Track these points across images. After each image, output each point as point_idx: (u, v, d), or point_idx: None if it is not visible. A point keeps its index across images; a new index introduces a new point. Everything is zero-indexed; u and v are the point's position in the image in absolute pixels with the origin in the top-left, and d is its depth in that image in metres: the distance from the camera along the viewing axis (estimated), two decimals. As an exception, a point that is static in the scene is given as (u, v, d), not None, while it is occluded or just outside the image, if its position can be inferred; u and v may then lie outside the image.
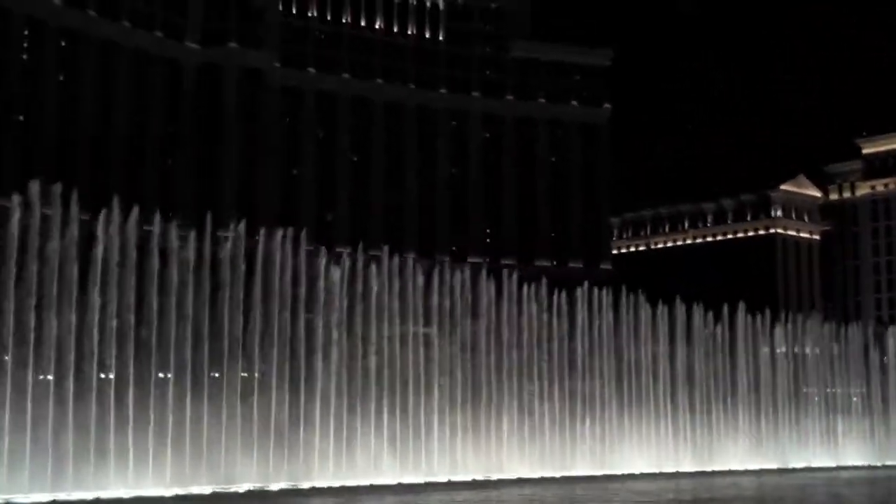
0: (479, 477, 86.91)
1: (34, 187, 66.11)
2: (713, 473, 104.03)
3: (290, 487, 73.43)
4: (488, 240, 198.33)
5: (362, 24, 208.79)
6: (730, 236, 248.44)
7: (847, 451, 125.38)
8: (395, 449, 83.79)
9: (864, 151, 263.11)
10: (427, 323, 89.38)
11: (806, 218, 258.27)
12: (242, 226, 79.08)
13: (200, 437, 71.78)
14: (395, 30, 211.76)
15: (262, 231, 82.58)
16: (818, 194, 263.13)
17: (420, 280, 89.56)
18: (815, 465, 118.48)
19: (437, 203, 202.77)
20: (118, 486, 65.23)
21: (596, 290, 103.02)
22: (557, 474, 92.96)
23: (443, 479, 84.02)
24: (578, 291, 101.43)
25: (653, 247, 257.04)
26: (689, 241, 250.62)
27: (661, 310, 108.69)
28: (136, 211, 71.54)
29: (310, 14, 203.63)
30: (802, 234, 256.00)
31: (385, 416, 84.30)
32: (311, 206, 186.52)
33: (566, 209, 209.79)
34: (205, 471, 71.09)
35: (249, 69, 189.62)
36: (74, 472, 64.20)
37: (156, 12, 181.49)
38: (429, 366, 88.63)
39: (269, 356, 77.44)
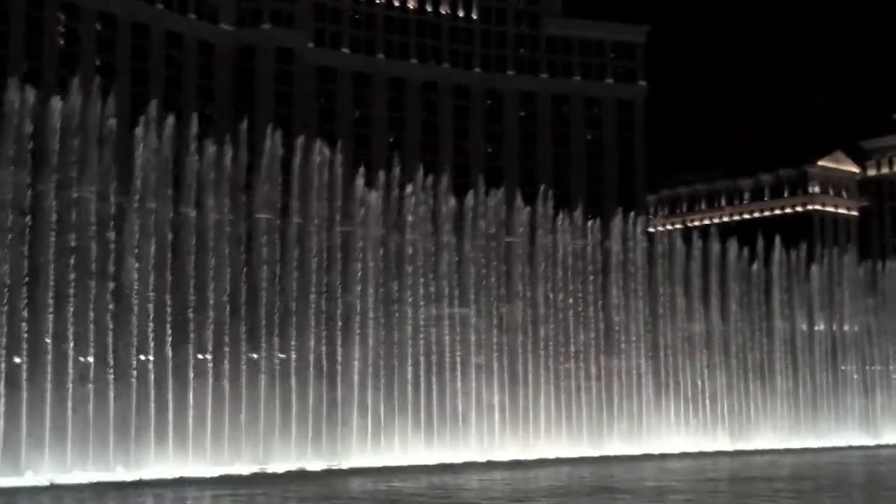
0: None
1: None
2: (751, 452, 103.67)
3: (329, 468, 73.75)
4: (527, 218, 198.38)
5: (396, 3, 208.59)
6: (766, 213, 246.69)
7: (887, 429, 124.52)
8: (432, 428, 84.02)
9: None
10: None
11: (844, 194, 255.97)
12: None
13: (239, 417, 72.27)
14: (429, 9, 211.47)
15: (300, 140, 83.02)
16: (856, 170, 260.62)
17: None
18: (854, 443, 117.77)
19: (472, 182, 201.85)
20: (159, 466, 65.76)
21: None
22: (595, 453, 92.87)
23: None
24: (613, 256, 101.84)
25: (689, 224, 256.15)
26: (725, 219, 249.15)
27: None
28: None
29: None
30: (840, 210, 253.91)
31: (422, 394, 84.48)
32: (347, 184, 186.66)
33: (601, 187, 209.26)
34: (244, 451, 71.54)
35: (283, 50, 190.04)
36: (115, 453, 64.77)
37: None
38: (464, 346, 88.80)
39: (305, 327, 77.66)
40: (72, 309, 64.81)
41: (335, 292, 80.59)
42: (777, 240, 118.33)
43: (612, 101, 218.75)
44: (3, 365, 61.73)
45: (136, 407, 66.79)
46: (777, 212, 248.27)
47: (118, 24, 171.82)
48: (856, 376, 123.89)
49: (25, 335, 62.54)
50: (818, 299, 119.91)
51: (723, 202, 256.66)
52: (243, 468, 69.07)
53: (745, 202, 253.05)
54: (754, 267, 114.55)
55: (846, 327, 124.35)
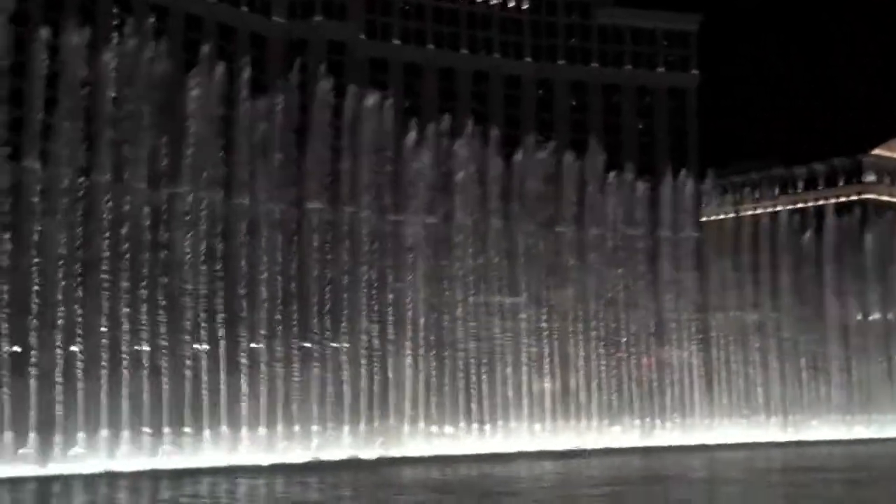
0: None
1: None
2: (804, 443, 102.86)
3: (382, 456, 74.04)
4: (575, 208, 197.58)
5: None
6: (821, 202, 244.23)
7: None
8: (483, 418, 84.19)
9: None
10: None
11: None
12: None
13: (292, 404, 72.79)
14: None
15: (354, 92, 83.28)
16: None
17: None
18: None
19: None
20: (213, 455, 66.34)
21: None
22: (647, 443, 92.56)
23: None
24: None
25: (742, 213, 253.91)
26: (779, 208, 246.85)
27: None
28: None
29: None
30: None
31: (472, 381, 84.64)
32: (400, 175, 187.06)
33: (653, 176, 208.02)
34: (298, 440, 72.02)
35: (335, 42, 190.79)
36: (170, 441, 65.46)
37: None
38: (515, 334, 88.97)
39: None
40: (126, 297, 65.60)
41: (386, 280, 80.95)
42: (831, 226, 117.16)
43: (664, 90, 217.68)
44: (61, 352, 62.61)
45: (189, 396, 67.45)
46: (832, 200, 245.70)
47: (171, 17, 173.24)
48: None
49: (80, 323, 63.40)
50: (873, 287, 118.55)
51: (776, 191, 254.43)
52: (296, 456, 69.51)
53: (798, 191, 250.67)
54: (810, 254, 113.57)
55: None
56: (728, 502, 52.70)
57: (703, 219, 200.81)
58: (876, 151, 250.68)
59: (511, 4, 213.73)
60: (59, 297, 62.80)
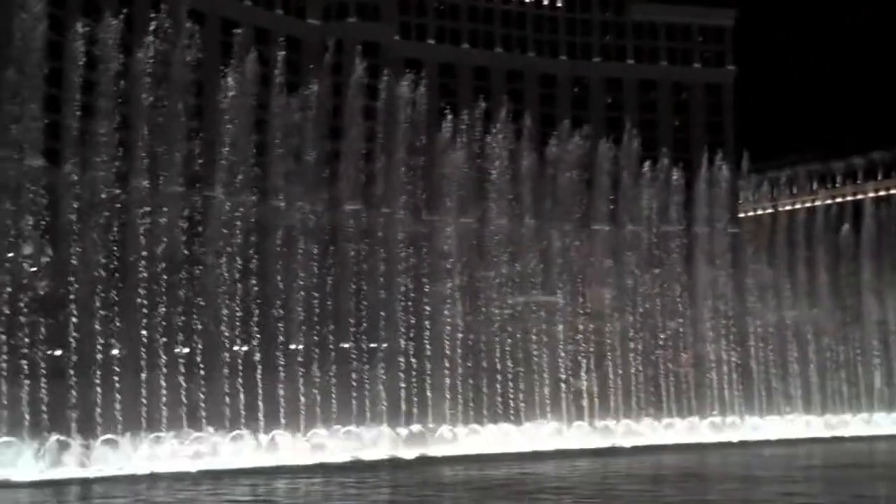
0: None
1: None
2: (842, 439, 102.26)
3: (421, 455, 74.22)
4: (612, 206, 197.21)
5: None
6: (860, 196, 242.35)
7: None
8: (520, 416, 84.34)
9: None
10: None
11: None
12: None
13: (330, 405, 73.18)
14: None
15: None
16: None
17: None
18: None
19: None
20: (253, 456, 66.75)
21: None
22: (686, 440, 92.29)
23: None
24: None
25: (780, 208, 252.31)
26: (818, 203, 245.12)
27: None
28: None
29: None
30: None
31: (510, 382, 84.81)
32: (436, 175, 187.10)
33: (691, 173, 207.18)
34: (339, 439, 72.32)
35: (369, 43, 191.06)
36: (209, 442, 65.90)
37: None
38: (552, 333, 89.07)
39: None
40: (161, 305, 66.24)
41: (422, 280, 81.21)
42: (870, 220, 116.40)
43: (700, 86, 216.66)
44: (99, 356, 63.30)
45: (228, 397, 67.97)
46: (871, 194, 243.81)
47: (207, 20, 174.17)
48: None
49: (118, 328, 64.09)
50: None
51: (815, 186, 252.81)
52: (336, 456, 69.82)
53: (837, 185, 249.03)
54: (848, 249, 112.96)
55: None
56: (772, 499, 52.58)
57: (741, 214, 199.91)
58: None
59: (545, 2, 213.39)
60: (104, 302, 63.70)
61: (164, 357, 65.48)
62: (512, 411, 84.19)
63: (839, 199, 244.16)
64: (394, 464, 70.04)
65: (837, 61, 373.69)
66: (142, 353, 64.68)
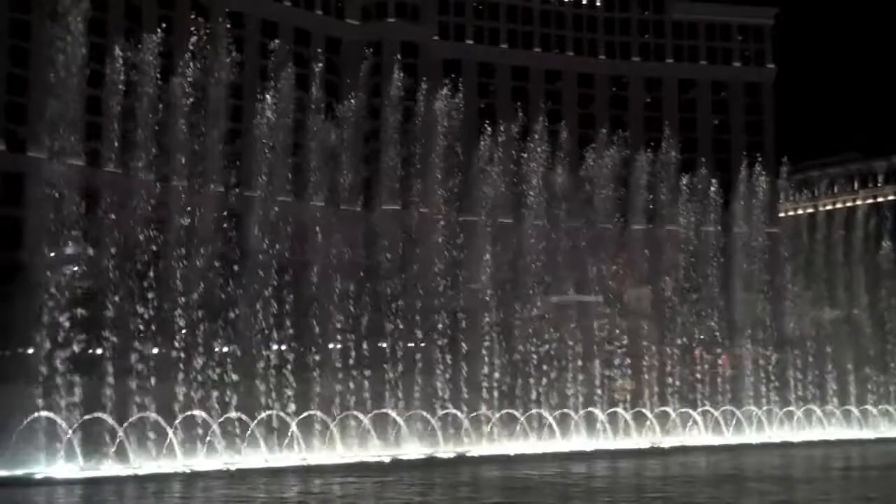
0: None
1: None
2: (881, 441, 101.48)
3: (459, 455, 74.36)
4: (651, 206, 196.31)
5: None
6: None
7: None
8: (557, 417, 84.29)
9: None
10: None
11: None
12: None
13: (365, 405, 73.48)
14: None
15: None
16: None
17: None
18: None
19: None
20: (289, 455, 67.10)
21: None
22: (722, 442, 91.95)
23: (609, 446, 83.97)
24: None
25: (821, 208, 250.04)
26: (858, 202, 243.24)
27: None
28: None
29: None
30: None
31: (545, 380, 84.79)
32: (473, 174, 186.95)
33: (729, 173, 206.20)
34: (375, 439, 72.57)
35: (408, 43, 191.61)
36: (245, 442, 66.30)
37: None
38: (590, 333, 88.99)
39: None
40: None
41: (459, 280, 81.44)
42: None
43: (740, 85, 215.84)
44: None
45: (264, 397, 68.43)
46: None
47: (246, 22, 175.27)
48: None
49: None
50: None
51: (856, 185, 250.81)
52: (373, 455, 70.08)
53: (878, 185, 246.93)
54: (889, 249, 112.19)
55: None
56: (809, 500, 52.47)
57: (781, 214, 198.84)
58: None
59: (584, 2, 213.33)
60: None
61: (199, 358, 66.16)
62: (550, 411, 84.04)
63: (880, 199, 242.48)
64: (430, 463, 70.19)
65: (878, 59, 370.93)
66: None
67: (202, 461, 62.19)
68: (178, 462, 60.91)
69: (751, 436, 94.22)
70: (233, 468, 61.73)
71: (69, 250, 63.02)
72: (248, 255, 69.73)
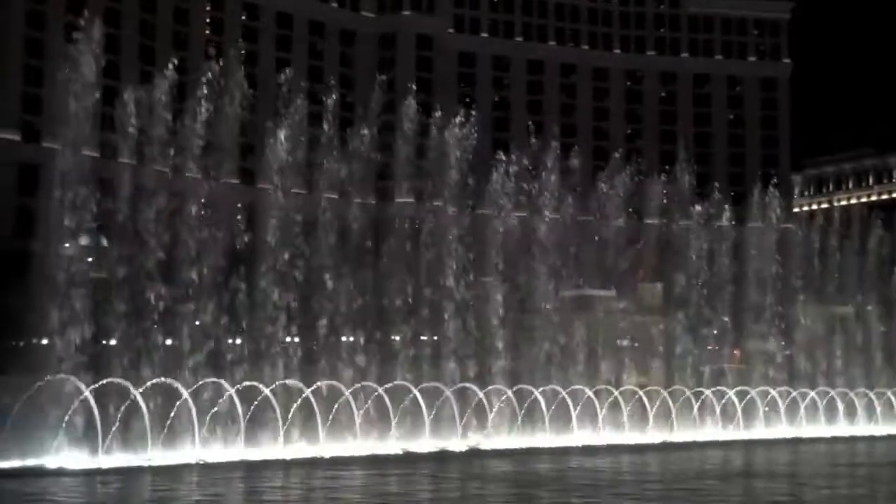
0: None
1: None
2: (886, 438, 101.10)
3: (471, 448, 74.25)
4: (665, 200, 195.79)
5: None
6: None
7: None
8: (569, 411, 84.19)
9: None
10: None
11: None
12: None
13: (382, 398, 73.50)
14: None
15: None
16: None
17: None
18: None
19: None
20: (304, 446, 67.15)
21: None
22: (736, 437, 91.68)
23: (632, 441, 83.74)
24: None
25: (835, 203, 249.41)
26: (873, 198, 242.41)
27: None
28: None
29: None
30: None
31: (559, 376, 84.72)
32: (486, 168, 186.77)
33: (743, 167, 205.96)
34: (391, 431, 72.60)
35: (423, 36, 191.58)
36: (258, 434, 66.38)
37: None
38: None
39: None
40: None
41: (471, 275, 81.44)
42: None
43: (755, 80, 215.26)
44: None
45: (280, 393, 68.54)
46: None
47: (261, 14, 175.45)
48: None
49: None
50: None
51: (870, 181, 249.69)
52: (387, 448, 70.03)
53: (893, 181, 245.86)
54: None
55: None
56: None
57: (795, 209, 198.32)
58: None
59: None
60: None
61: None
62: (562, 405, 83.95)
63: (895, 195, 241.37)
64: (443, 456, 70.16)
65: (894, 55, 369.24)
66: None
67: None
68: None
69: (763, 432, 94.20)
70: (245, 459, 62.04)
71: (83, 241, 63.22)
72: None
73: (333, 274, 73.62)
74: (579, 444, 79.04)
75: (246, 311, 68.75)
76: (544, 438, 79.96)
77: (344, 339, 74.29)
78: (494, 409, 78.20)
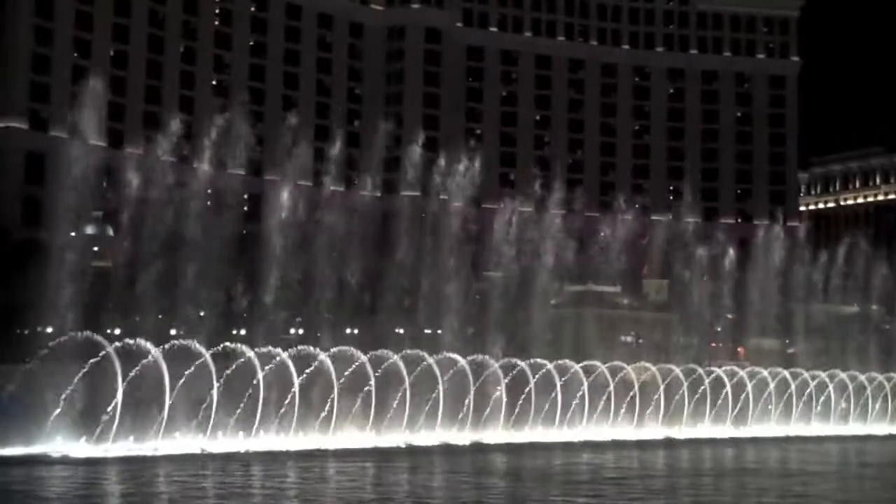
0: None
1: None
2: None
3: (473, 442, 74.34)
4: (671, 196, 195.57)
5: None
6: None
7: None
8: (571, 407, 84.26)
9: None
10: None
11: None
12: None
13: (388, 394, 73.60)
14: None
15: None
16: None
17: None
18: None
19: (619, 159, 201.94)
20: (306, 437, 67.37)
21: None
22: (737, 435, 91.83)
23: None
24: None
25: (843, 202, 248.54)
26: (880, 197, 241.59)
27: None
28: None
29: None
30: None
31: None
32: (493, 163, 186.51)
33: (751, 164, 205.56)
34: (398, 426, 72.68)
35: (432, 30, 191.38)
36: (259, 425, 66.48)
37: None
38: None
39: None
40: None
41: (478, 271, 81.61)
42: None
43: (763, 77, 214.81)
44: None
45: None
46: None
47: (270, 5, 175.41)
48: None
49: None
50: None
51: (878, 180, 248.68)
52: (389, 441, 70.15)
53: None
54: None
55: None
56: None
57: (802, 208, 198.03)
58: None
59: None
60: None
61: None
62: (564, 402, 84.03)
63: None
64: (446, 450, 70.24)
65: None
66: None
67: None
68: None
69: (767, 430, 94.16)
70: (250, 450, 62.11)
71: (89, 230, 63.39)
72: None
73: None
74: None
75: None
76: (548, 433, 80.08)
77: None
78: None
